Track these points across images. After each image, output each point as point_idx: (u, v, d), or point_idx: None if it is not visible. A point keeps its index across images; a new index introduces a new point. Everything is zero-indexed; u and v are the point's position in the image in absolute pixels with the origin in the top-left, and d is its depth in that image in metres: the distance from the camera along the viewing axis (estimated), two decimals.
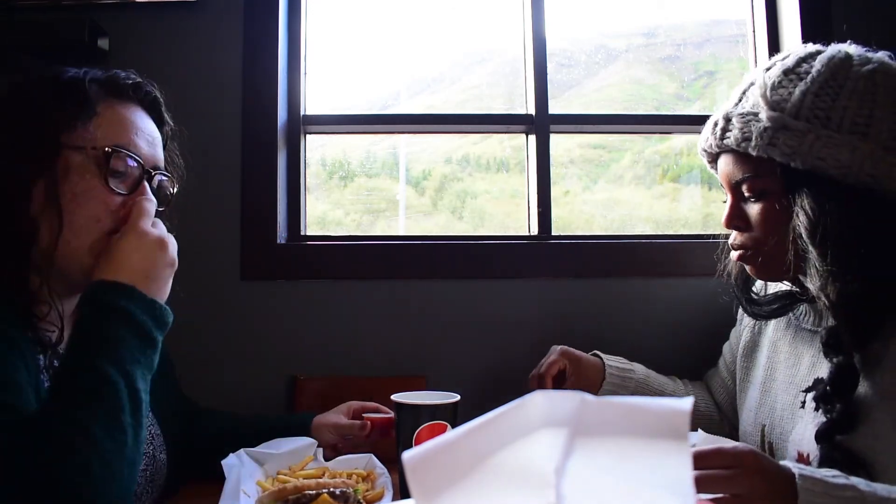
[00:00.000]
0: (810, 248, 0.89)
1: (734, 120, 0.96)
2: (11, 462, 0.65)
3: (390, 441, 1.05)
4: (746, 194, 0.98)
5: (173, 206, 0.99)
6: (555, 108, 1.62)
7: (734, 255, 1.04)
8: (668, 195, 1.75)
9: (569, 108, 1.69)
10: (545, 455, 0.38)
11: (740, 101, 1.00)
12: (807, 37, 1.54)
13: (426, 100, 1.81)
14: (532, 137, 1.61)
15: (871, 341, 0.90)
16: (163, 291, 0.83)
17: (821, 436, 0.91)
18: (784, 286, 1.09)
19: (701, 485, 0.77)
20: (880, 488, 0.77)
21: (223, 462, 0.97)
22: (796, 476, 0.78)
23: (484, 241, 1.53)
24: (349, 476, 1.01)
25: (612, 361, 1.28)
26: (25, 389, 0.75)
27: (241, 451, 1.02)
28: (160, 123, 0.97)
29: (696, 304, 1.48)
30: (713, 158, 1.06)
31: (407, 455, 0.37)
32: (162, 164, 0.95)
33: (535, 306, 1.49)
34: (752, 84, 0.99)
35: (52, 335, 0.85)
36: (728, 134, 0.97)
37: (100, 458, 0.67)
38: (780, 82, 0.94)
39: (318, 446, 1.12)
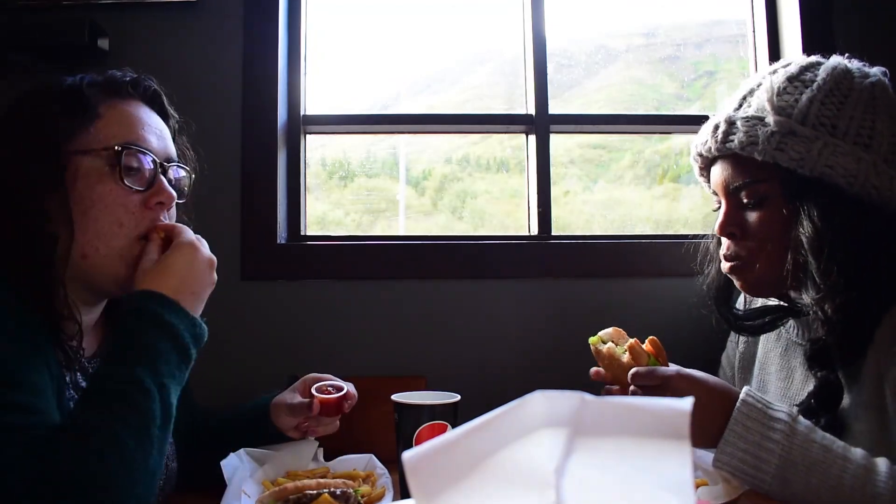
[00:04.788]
0: (811, 259, 0.87)
1: (738, 123, 0.94)
2: (38, 464, 0.65)
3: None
4: (745, 200, 0.96)
5: (190, 198, 0.99)
6: (555, 108, 1.61)
7: (725, 266, 1.01)
8: (668, 195, 1.74)
9: (569, 108, 1.69)
10: (545, 455, 0.38)
11: (741, 105, 0.98)
12: (807, 37, 1.54)
13: (426, 100, 1.81)
14: (532, 137, 1.61)
15: (859, 356, 0.90)
16: (200, 309, 0.84)
17: None
18: (770, 300, 1.08)
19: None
20: (819, 436, 0.82)
21: (222, 462, 0.96)
22: (742, 395, 0.85)
23: (484, 241, 1.53)
24: (353, 479, 1.01)
25: None
26: (46, 392, 0.74)
27: (241, 450, 1.02)
28: (165, 116, 0.96)
29: (696, 304, 1.48)
30: (707, 164, 1.03)
31: (407, 455, 0.37)
32: (174, 155, 0.94)
33: (535, 306, 1.48)
34: (752, 89, 0.98)
35: (74, 350, 0.84)
36: (732, 137, 0.94)
37: (126, 468, 0.67)
38: (784, 88, 0.93)
39: (319, 446, 1.12)
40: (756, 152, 0.91)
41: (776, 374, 1.07)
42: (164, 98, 0.96)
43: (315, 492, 0.87)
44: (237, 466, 0.98)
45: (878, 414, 0.87)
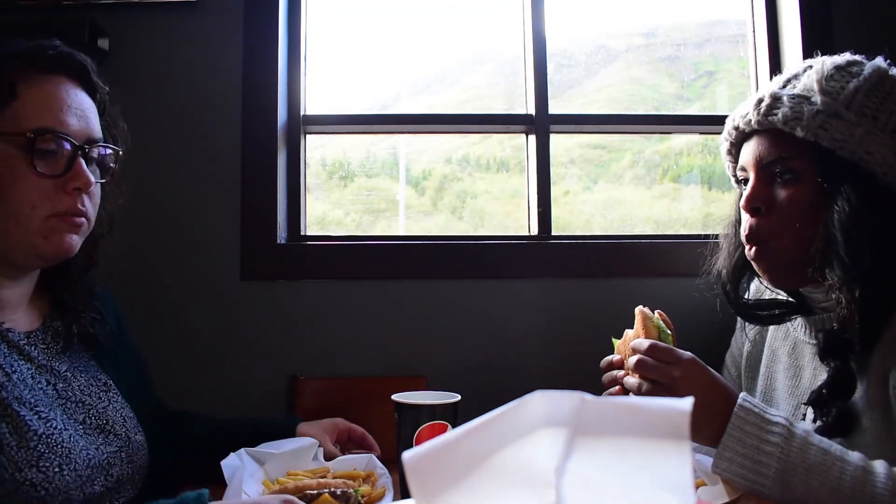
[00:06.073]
0: (841, 238, 0.88)
1: (784, 99, 0.95)
2: None
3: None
4: (777, 177, 0.97)
5: (118, 175, 0.96)
6: (555, 108, 1.61)
7: (750, 252, 1.00)
8: (668, 195, 1.74)
9: (569, 108, 1.69)
10: (545, 455, 0.38)
11: (786, 86, 0.99)
12: (806, 37, 1.54)
13: (426, 100, 1.81)
14: (532, 137, 1.61)
15: (875, 345, 0.90)
16: None
17: None
18: (780, 294, 1.08)
19: (637, 367, 0.92)
20: (816, 439, 0.83)
21: (223, 462, 0.96)
22: (738, 400, 0.86)
23: (484, 241, 1.53)
24: (353, 479, 1.01)
25: None
26: None
27: (242, 450, 1.02)
28: (92, 91, 0.92)
29: (696, 304, 1.48)
30: (740, 140, 1.04)
31: (407, 455, 0.37)
32: (98, 134, 0.91)
33: (535, 306, 1.48)
34: (798, 74, 1.00)
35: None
36: (775, 111, 0.95)
37: None
38: (832, 75, 0.95)
39: (319, 446, 1.12)
40: (800, 128, 0.92)
41: (784, 373, 1.07)
42: (92, 71, 0.92)
43: (315, 492, 0.87)
44: (237, 466, 0.98)
45: (882, 413, 0.87)
